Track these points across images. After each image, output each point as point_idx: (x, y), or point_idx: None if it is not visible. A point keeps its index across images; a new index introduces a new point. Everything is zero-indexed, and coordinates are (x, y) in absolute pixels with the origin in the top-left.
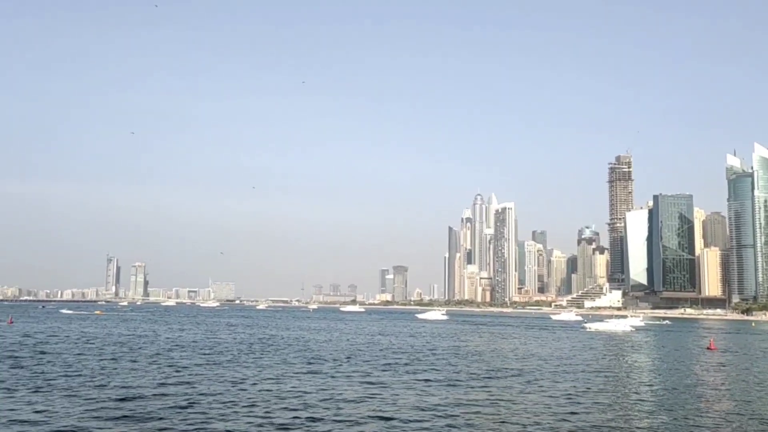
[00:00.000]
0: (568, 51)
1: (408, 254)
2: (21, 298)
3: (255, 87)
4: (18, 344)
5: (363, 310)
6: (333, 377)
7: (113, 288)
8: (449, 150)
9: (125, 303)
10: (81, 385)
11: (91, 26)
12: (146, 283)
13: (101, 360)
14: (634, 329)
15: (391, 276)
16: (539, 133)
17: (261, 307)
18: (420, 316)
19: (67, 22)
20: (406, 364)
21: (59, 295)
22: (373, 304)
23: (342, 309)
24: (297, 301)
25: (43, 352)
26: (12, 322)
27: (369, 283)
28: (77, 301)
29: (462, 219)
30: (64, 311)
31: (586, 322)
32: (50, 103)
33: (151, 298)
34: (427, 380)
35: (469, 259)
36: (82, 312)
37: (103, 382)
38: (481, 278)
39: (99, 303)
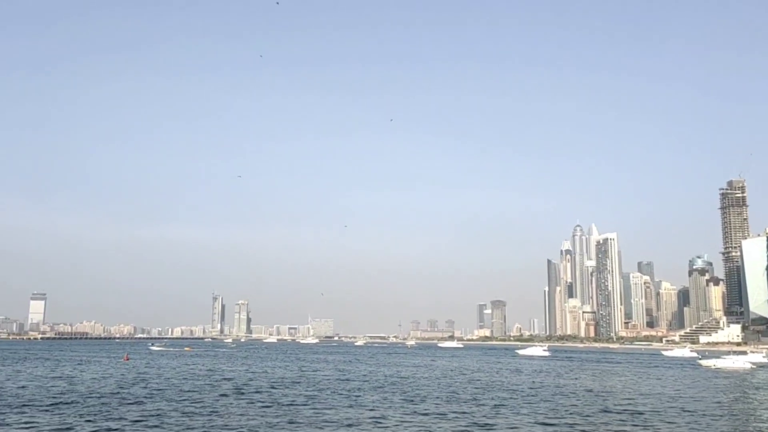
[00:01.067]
0: (667, 65)
1: (506, 288)
2: (135, 336)
3: (345, 125)
4: (136, 379)
5: (461, 345)
6: (436, 417)
7: (218, 325)
8: (546, 181)
9: (230, 340)
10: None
11: (194, 76)
12: (249, 320)
13: (217, 397)
14: (755, 366)
15: (489, 311)
16: (640, 158)
17: (359, 343)
18: (520, 352)
19: (184, 73)
20: (509, 404)
21: (170, 333)
22: (471, 339)
23: (440, 345)
24: (394, 337)
25: (159, 389)
26: (128, 359)
27: (467, 319)
28: (186, 338)
29: (561, 251)
30: (153, 347)
31: (700, 359)
32: (156, 152)
33: (254, 335)
34: (537, 423)
35: (570, 292)
36: (170, 349)
37: (217, 419)
38: (583, 312)
39: (205, 340)
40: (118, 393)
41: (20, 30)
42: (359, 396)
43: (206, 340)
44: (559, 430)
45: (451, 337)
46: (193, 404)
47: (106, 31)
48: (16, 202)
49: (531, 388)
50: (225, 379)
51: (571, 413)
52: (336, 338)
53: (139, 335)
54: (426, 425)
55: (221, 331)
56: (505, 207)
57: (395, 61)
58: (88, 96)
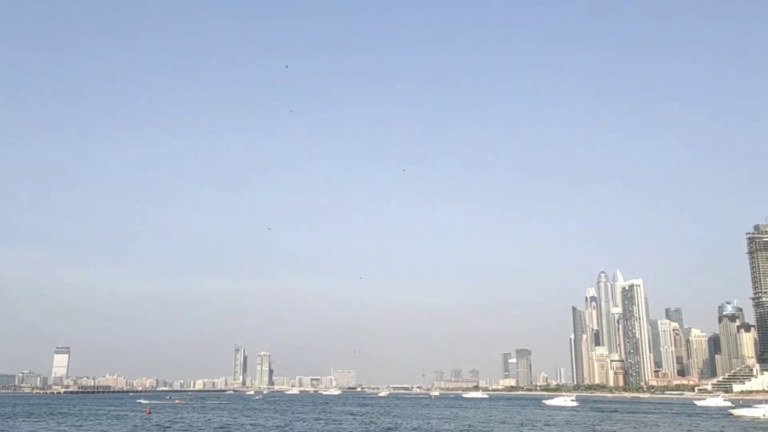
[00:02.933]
0: (689, 113)
1: (531, 337)
2: (158, 389)
3: (357, 175)
4: None
5: (486, 396)
6: None
7: (240, 377)
8: (568, 226)
9: (252, 392)
10: None
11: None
12: (271, 371)
13: None
14: None
15: (514, 360)
16: (663, 203)
17: (382, 394)
18: (547, 402)
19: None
20: None
21: (192, 385)
22: (497, 389)
23: (464, 395)
24: (418, 387)
25: None
26: (150, 413)
27: (491, 368)
28: (208, 390)
29: (586, 298)
30: (141, 401)
31: (733, 408)
32: (179, 205)
33: (276, 387)
34: None
35: (597, 340)
36: (158, 402)
37: None
38: (611, 361)
39: (227, 392)
40: None
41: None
42: None
43: (228, 392)
44: None
45: (476, 387)
46: None
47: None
48: (51, 256)
49: None
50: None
51: None
52: (359, 389)
53: (162, 388)
54: None
55: (243, 382)
56: (530, 252)
57: (408, 112)
58: (125, 154)
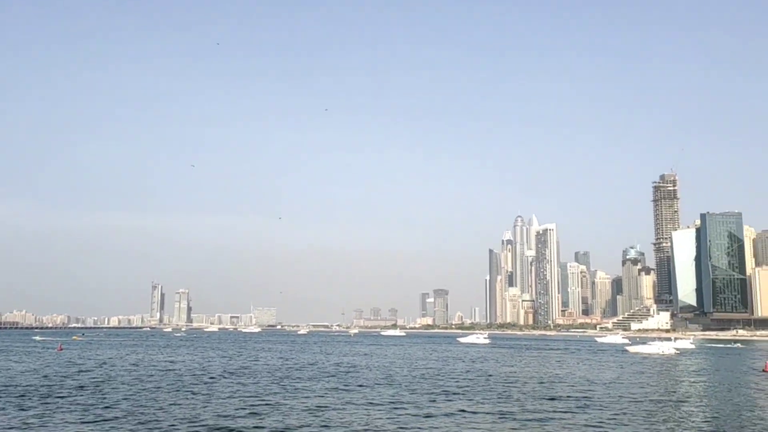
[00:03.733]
0: (605, 66)
1: (449, 277)
2: (69, 325)
3: (283, 113)
4: (75, 372)
5: (404, 334)
6: (375, 405)
7: (158, 314)
8: (488, 172)
9: (169, 329)
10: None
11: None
12: (189, 309)
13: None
14: (678, 351)
15: (431, 300)
16: (579, 152)
17: (302, 332)
18: (461, 339)
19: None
20: (456, 392)
21: (106, 322)
22: (414, 328)
23: (383, 333)
24: (338, 325)
25: (101, 381)
26: (62, 349)
27: (409, 307)
28: (123, 328)
29: (503, 241)
30: (36, 338)
31: (629, 345)
32: (98, 138)
33: (194, 324)
34: (474, 412)
35: (511, 281)
36: (59, 339)
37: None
38: (523, 301)
39: (143, 329)
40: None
41: None
42: (308, 385)
43: (144, 329)
44: (500, 417)
45: (394, 326)
46: (145, 394)
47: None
48: None
49: (473, 375)
50: (188, 368)
51: (509, 398)
52: (279, 327)
53: (73, 325)
54: (376, 414)
55: (160, 320)
56: (449, 197)
57: (336, 47)
58: (29, 79)
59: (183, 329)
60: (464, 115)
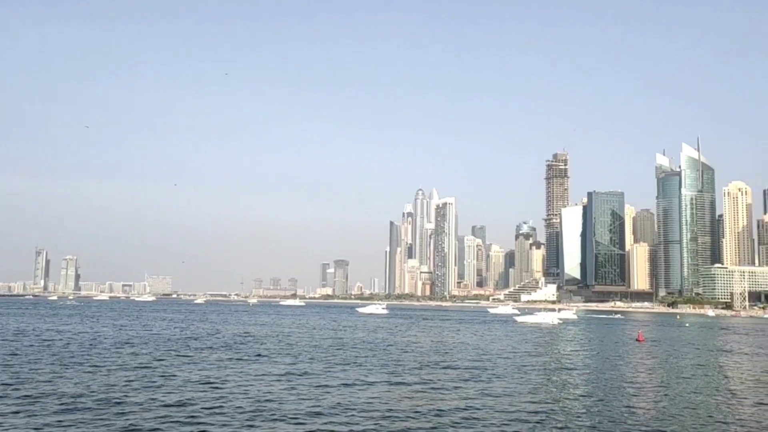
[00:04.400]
0: (508, 49)
1: (349, 248)
2: None
3: (181, 75)
4: None
5: (303, 304)
6: (273, 375)
7: (42, 281)
8: (391, 145)
9: (55, 297)
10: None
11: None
12: (78, 276)
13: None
14: (561, 321)
15: (332, 270)
16: (480, 128)
17: (199, 301)
18: (360, 310)
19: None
20: (353, 361)
21: None
22: (314, 298)
23: (282, 303)
24: (236, 295)
25: None
26: None
27: (310, 278)
28: (3, 295)
29: (403, 213)
30: None
31: (518, 315)
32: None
33: (83, 292)
34: (372, 382)
35: (410, 253)
36: None
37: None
38: (421, 272)
39: (26, 297)
40: None
41: None
42: (205, 355)
43: (27, 296)
44: (391, 383)
45: (294, 296)
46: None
47: None
48: None
49: (368, 344)
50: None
51: (413, 368)
52: (174, 296)
53: None
54: (275, 384)
55: (45, 287)
56: (352, 169)
57: (239, 15)
58: None
59: (71, 297)
60: (368, 86)
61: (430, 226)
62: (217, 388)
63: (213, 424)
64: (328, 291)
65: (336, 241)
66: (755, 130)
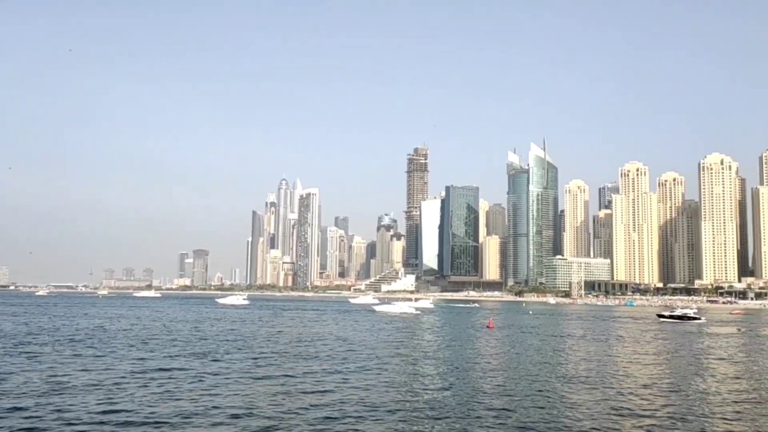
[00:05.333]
0: (372, 39)
1: (209, 238)
2: None
3: (28, 55)
4: None
5: (159, 295)
6: (125, 371)
7: None
8: (255, 132)
9: None
10: None
11: None
12: None
13: None
14: (418, 311)
15: (190, 260)
16: (345, 120)
17: (41, 293)
18: (220, 300)
19: None
20: (211, 354)
21: None
22: (171, 289)
23: (136, 294)
24: (84, 286)
25: None
26: None
27: (167, 268)
28: None
29: (266, 203)
30: None
31: (375, 305)
32: None
33: None
34: (230, 374)
35: (273, 243)
36: None
37: None
38: (283, 263)
39: None
40: None
41: None
42: (45, 352)
43: None
44: (250, 375)
45: (149, 287)
46: None
47: None
48: None
49: (227, 336)
50: None
51: (275, 359)
52: (12, 287)
53: None
54: (127, 379)
55: None
56: (215, 155)
57: None
58: None
59: None
60: (233, 75)
61: (294, 216)
62: (58, 387)
63: (51, 429)
64: (187, 282)
65: (195, 230)
66: (593, 132)
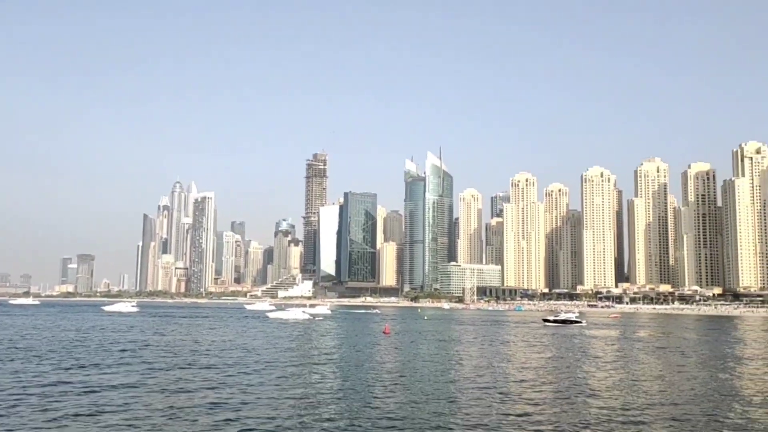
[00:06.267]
0: (273, 48)
1: (96, 242)
2: None
3: None
4: None
5: (38, 302)
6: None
7: None
8: (147, 132)
9: None
10: None
11: None
12: None
13: None
14: (311, 317)
15: (74, 265)
16: (242, 124)
17: None
18: (107, 308)
19: None
20: (87, 364)
21: None
22: (52, 296)
23: (12, 302)
24: None
25: None
26: None
27: (47, 273)
28: None
29: (159, 206)
30: None
31: (270, 312)
32: None
33: None
34: (113, 385)
35: (165, 248)
36: None
37: None
38: (176, 268)
39: None
40: None
41: None
42: None
43: None
44: (131, 387)
45: (27, 293)
46: None
47: None
48: None
49: (112, 346)
50: None
51: (162, 369)
52: None
53: None
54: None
55: None
56: (102, 154)
57: None
58: None
59: None
60: (125, 67)
61: (188, 220)
62: None
63: None
64: (70, 288)
65: (80, 233)
66: (487, 142)
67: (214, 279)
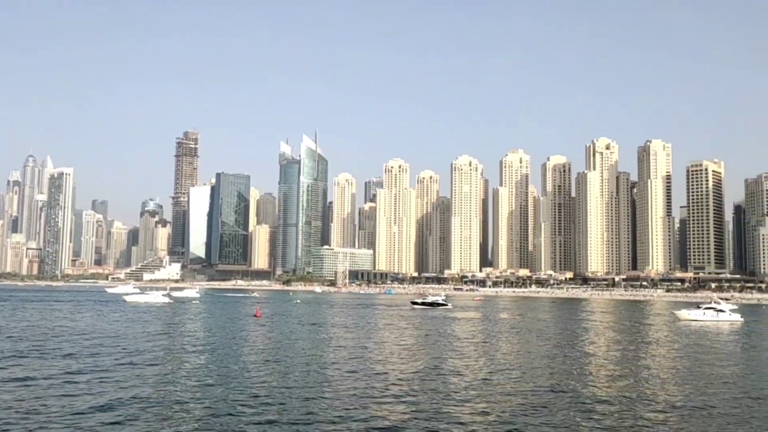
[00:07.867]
0: (144, 21)
1: None
2: None
3: None
4: None
5: None
6: None
7: None
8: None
9: None
10: None
11: None
12: None
13: None
14: (174, 300)
15: None
16: (104, 95)
17: None
18: None
19: None
20: None
21: None
22: None
23: None
24: None
25: None
26: None
27: None
28: None
29: (9, 182)
30: None
31: (126, 295)
32: None
33: None
34: None
35: (15, 227)
36: None
37: None
38: (28, 249)
39: None
40: None
41: None
42: None
43: None
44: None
45: None
46: None
47: None
48: None
49: None
50: None
51: (21, 359)
52: None
53: None
54: None
55: None
56: None
57: None
58: None
59: None
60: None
61: (42, 197)
62: None
63: None
64: None
65: None
66: (362, 127)
67: (72, 261)
